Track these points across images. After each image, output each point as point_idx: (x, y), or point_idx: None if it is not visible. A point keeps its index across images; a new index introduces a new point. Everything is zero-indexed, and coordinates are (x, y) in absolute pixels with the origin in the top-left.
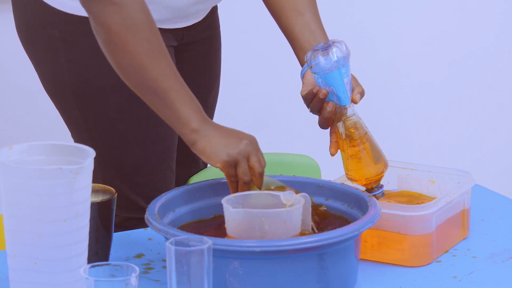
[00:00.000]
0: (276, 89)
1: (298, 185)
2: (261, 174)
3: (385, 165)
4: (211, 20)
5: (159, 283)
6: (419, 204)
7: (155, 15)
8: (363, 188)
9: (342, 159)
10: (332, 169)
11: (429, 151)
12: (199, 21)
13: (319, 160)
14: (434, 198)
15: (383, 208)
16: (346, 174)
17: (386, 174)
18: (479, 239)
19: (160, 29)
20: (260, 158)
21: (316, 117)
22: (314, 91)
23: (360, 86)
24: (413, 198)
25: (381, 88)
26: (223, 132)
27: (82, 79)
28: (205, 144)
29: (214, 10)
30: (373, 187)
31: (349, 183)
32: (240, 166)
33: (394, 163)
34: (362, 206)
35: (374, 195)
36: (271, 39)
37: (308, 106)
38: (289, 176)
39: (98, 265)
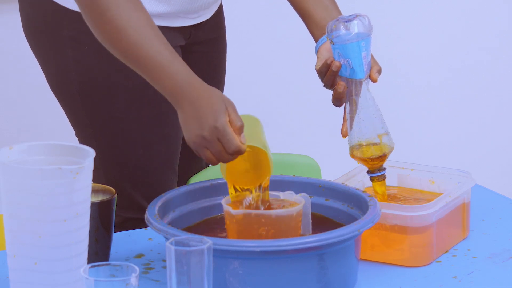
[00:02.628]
0: (276, 90)
1: (298, 185)
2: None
3: (390, 148)
4: (218, 20)
5: (159, 283)
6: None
7: (165, 7)
8: (362, 187)
9: (348, 136)
10: (332, 169)
11: (429, 151)
12: (206, 20)
13: (319, 160)
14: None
15: (383, 208)
16: (350, 153)
17: (386, 174)
18: (479, 239)
19: (169, 28)
20: (229, 141)
21: (316, 117)
22: (328, 62)
23: (378, 64)
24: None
25: (381, 88)
26: (197, 108)
27: (89, 78)
28: (181, 117)
29: (220, 10)
30: (374, 169)
31: (349, 183)
32: (210, 148)
33: (394, 163)
34: (362, 206)
35: (375, 177)
36: (272, 40)
37: (322, 81)
38: (289, 176)
39: (98, 265)
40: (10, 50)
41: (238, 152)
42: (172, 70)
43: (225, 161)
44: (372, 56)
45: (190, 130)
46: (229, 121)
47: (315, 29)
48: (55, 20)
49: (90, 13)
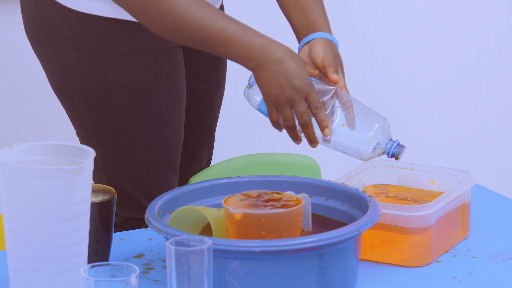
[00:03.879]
0: None
1: (298, 185)
2: (307, 124)
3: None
4: None
5: (159, 283)
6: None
7: None
8: (362, 187)
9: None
10: (332, 169)
11: (429, 151)
12: None
13: (319, 160)
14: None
15: (383, 208)
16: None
17: (386, 174)
18: (479, 239)
19: None
20: (303, 109)
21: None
22: None
23: (337, 62)
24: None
25: (381, 88)
26: (284, 67)
27: (92, 78)
28: (261, 77)
29: (220, 9)
30: (383, 153)
31: (349, 183)
32: (295, 106)
33: (394, 163)
34: (362, 206)
35: (394, 155)
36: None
37: None
38: (289, 176)
39: (98, 265)
40: (10, 50)
41: (319, 110)
42: (246, 37)
43: (303, 122)
44: (335, 55)
45: (276, 88)
46: None
47: (295, 34)
48: (58, 20)
49: (146, 12)
